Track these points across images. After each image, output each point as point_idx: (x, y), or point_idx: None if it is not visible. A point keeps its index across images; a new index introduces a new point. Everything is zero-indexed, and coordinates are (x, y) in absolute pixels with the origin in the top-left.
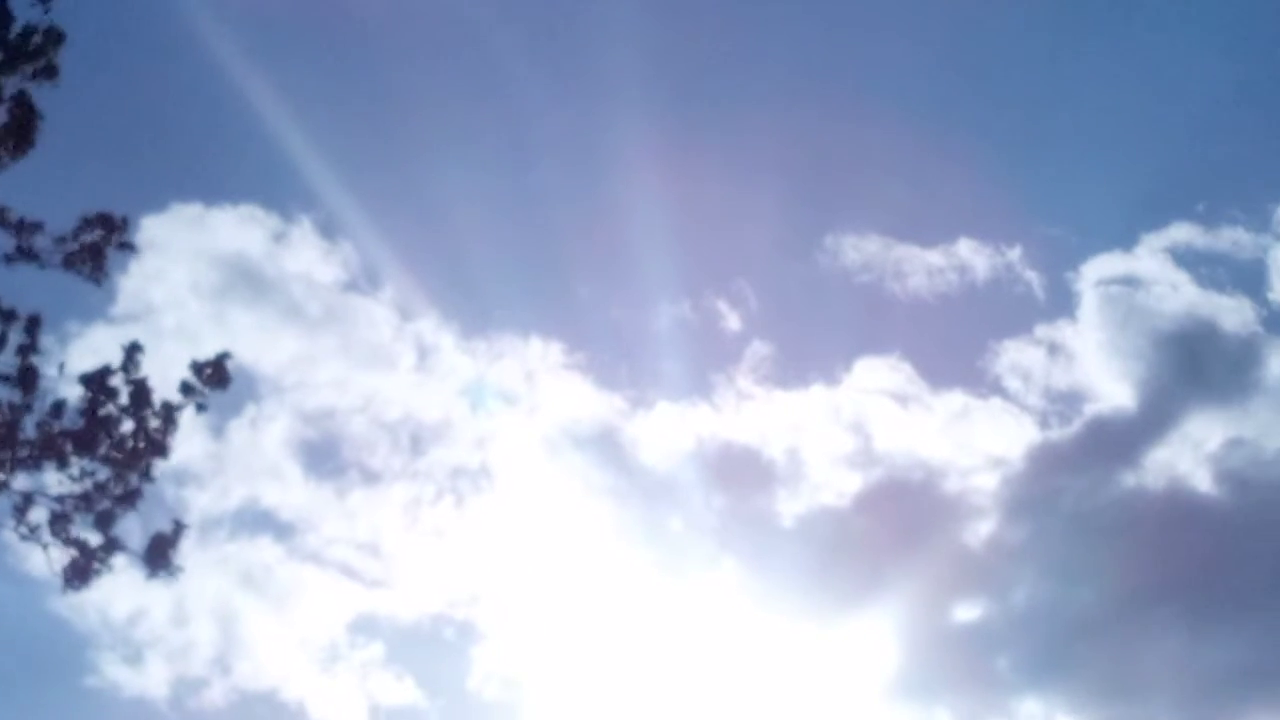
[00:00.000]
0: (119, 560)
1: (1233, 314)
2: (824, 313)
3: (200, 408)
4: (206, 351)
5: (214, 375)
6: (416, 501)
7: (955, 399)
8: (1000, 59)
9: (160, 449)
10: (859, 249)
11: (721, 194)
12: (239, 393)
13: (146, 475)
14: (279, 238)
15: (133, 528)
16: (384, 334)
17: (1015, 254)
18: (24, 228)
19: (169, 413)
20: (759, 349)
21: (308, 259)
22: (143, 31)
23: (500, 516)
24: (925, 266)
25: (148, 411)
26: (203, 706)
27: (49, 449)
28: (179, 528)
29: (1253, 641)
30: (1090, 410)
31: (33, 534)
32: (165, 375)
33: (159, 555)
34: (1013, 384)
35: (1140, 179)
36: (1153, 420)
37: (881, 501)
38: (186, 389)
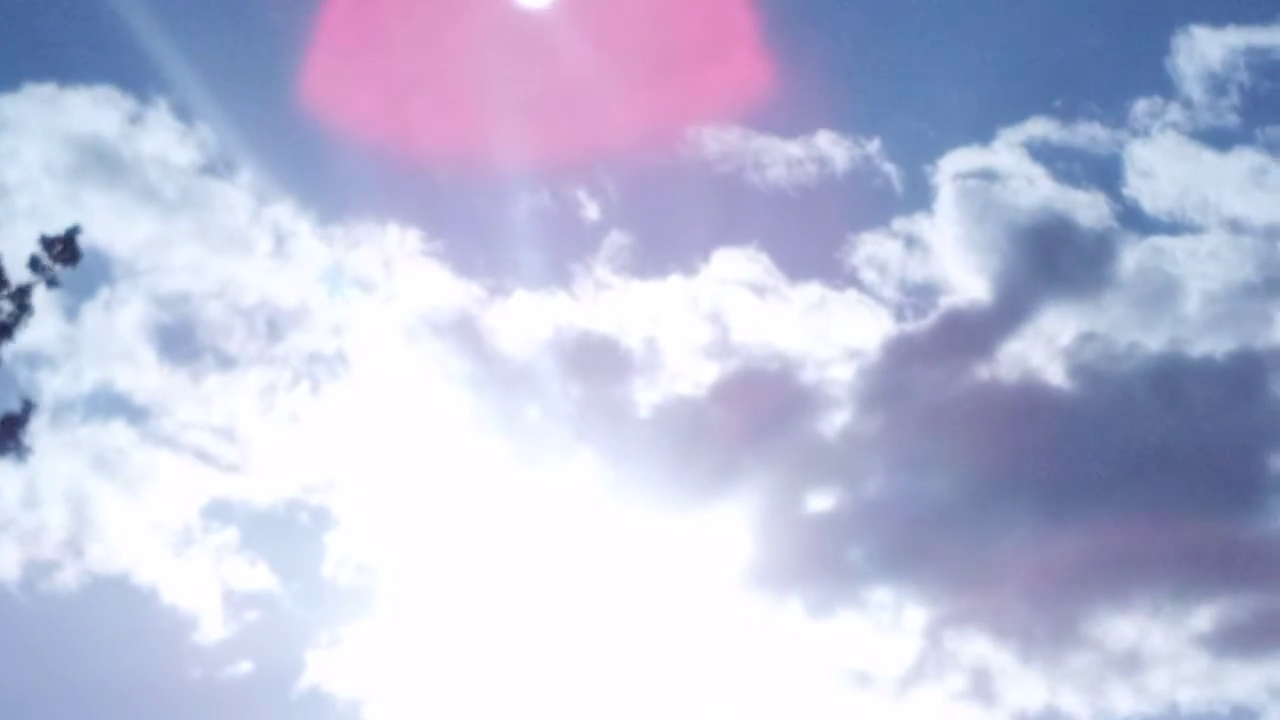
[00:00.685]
0: None
1: (1088, 209)
2: (682, 204)
3: (51, 283)
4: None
5: (64, 251)
6: (272, 387)
7: (812, 291)
8: None
9: (7, 331)
10: (718, 140)
11: (581, 84)
12: (93, 275)
13: None
14: (134, 119)
15: None
16: (240, 219)
17: (874, 147)
18: None
19: (22, 295)
20: (617, 239)
21: (163, 141)
22: None
23: (356, 403)
24: (784, 158)
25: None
26: (55, 589)
27: None
28: (28, 407)
29: (1101, 533)
30: (945, 303)
31: None
32: (18, 256)
33: (8, 435)
34: (869, 276)
35: (998, 74)
36: (1007, 314)
37: (737, 392)
38: (36, 264)
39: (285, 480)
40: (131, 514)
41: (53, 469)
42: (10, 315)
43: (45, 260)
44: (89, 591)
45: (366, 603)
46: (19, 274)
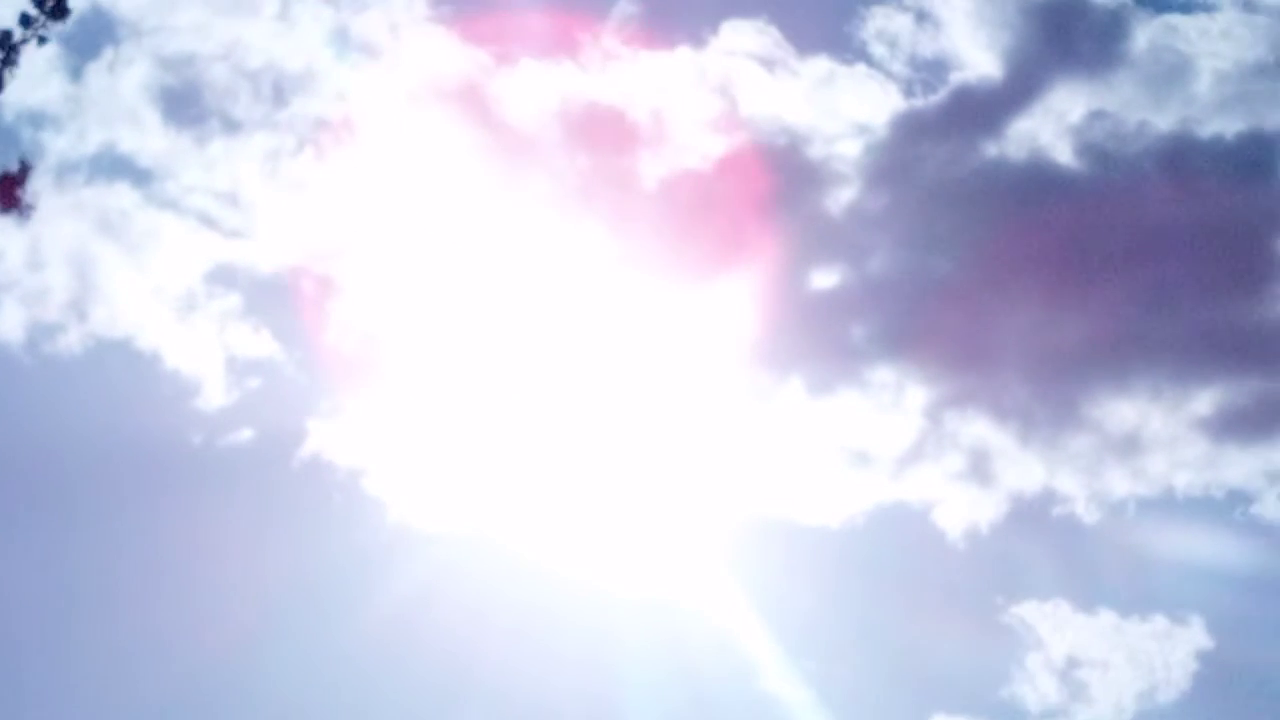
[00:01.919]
0: None
1: None
2: None
3: (41, 40)
4: None
5: (55, 7)
6: (277, 152)
7: (821, 64)
8: None
9: None
10: None
11: None
12: (96, 35)
13: None
14: None
15: None
16: None
17: None
18: None
19: (8, 46)
20: (625, 8)
21: None
22: None
23: (362, 171)
24: None
25: None
26: (58, 352)
27: None
28: (25, 166)
29: (1105, 315)
30: (955, 79)
31: None
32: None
33: (8, 193)
34: (879, 50)
35: None
36: (1017, 90)
37: (744, 166)
38: (25, 20)
39: (290, 247)
40: (135, 278)
41: (56, 230)
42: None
43: (35, 14)
44: (92, 354)
45: (370, 372)
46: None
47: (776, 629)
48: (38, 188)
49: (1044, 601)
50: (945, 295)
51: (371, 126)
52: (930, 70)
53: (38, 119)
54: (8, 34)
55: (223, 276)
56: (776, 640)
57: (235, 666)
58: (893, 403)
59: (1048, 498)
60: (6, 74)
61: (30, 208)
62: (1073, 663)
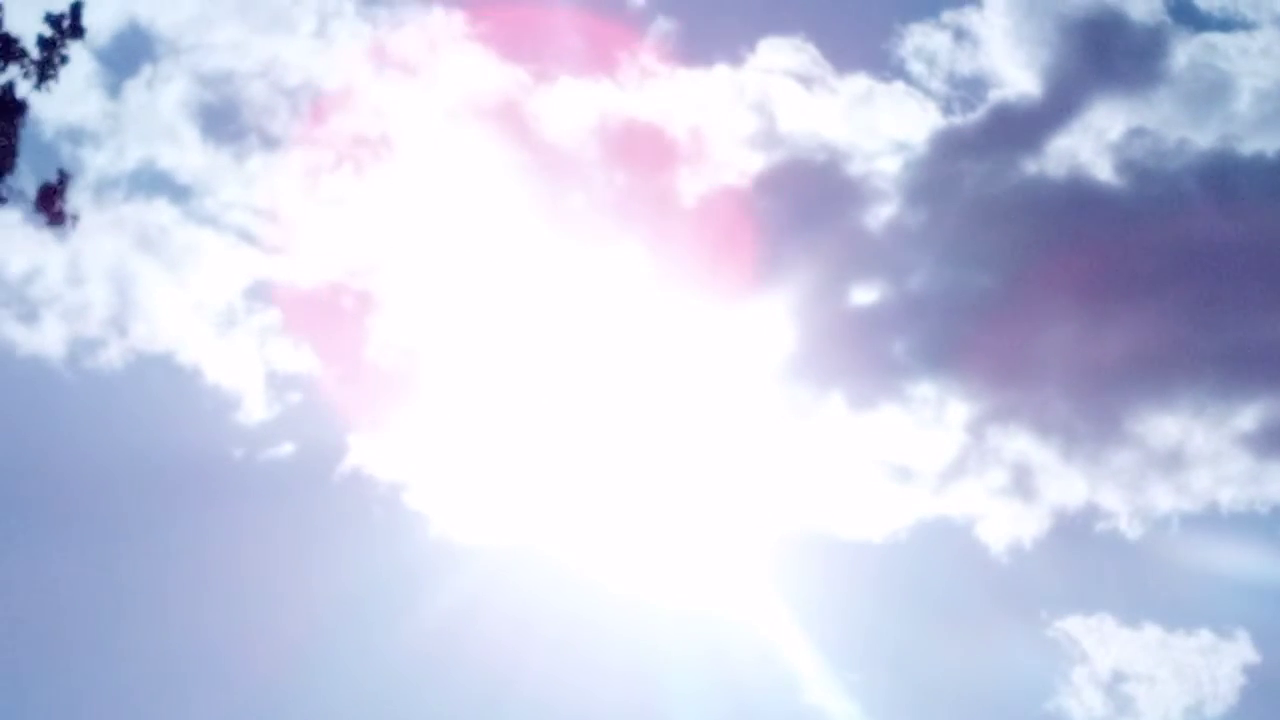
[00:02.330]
0: (12, 218)
1: (1141, 3)
2: None
3: (63, 59)
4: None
5: (70, 26)
6: (316, 169)
7: (859, 82)
8: None
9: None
10: None
11: None
12: (135, 52)
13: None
14: None
15: (27, 185)
16: None
17: None
18: None
19: (44, 65)
20: (663, 25)
21: None
22: None
23: (400, 188)
24: None
25: (20, 62)
26: (99, 367)
27: None
28: (64, 177)
29: (1147, 331)
30: (994, 96)
31: None
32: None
33: (48, 204)
34: (917, 68)
35: None
36: (1056, 108)
37: (783, 183)
38: (44, 43)
39: (328, 263)
40: (175, 293)
41: (96, 246)
42: (37, 76)
43: (53, 36)
44: (133, 369)
45: (409, 386)
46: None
47: (819, 642)
48: (78, 204)
49: (1089, 616)
50: (986, 311)
51: (409, 143)
52: (969, 88)
53: (77, 135)
54: (45, 59)
55: (262, 292)
56: (820, 653)
57: (278, 678)
58: (934, 418)
59: (1091, 513)
60: (47, 82)
61: (73, 219)
62: (1118, 677)
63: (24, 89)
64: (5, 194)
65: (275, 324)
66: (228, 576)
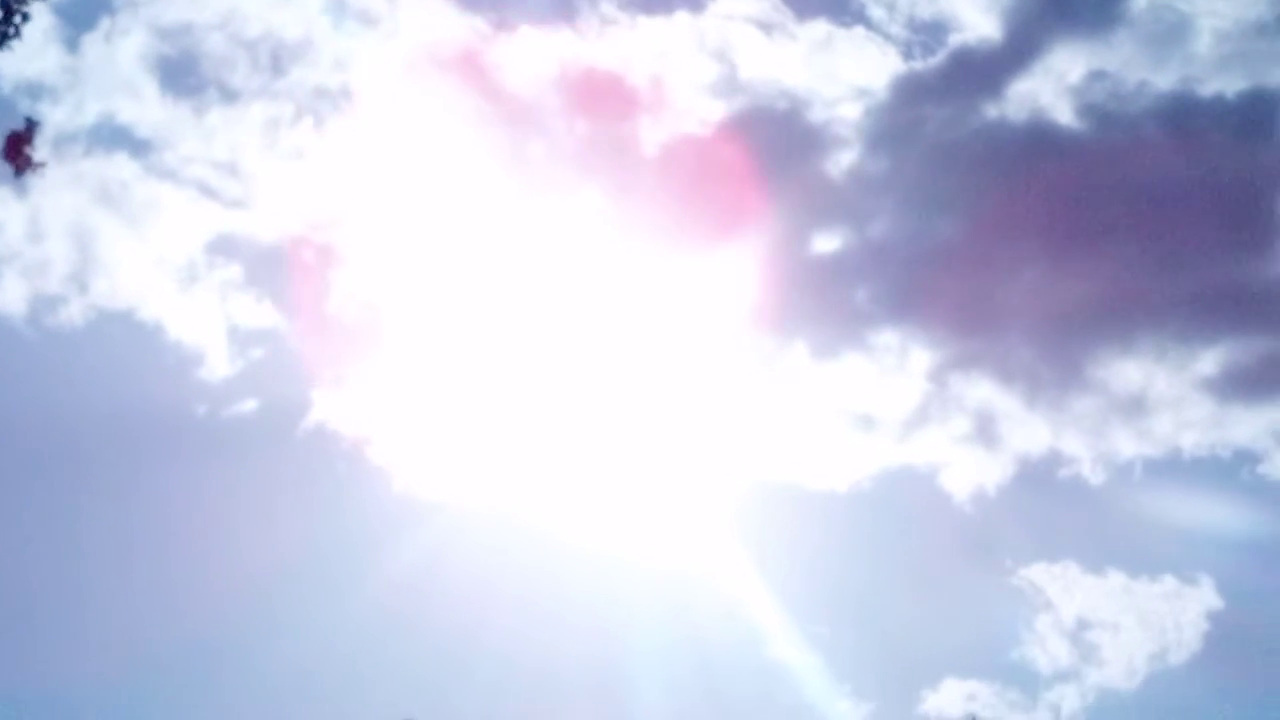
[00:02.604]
0: None
1: None
2: None
3: (24, 17)
4: None
5: None
6: (276, 122)
7: (819, 28)
8: None
9: None
10: None
11: None
12: (93, 6)
13: None
14: None
15: None
16: None
17: None
18: None
19: (5, 24)
20: None
21: None
22: None
23: (361, 139)
24: None
25: None
26: (60, 324)
27: None
28: (32, 124)
29: (1108, 276)
30: (955, 41)
31: None
32: None
33: (15, 152)
34: (877, 13)
35: None
36: (1017, 52)
37: (744, 131)
38: (5, 3)
39: (290, 217)
40: (136, 249)
41: (56, 202)
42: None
43: None
44: (94, 326)
45: (373, 341)
46: None
47: (784, 594)
48: (39, 143)
49: (1053, 563)
50: (948, 258)
51: (370, 95)
52: (929, 32)
53: (35, 90)
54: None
55: (223, 247)
56: (784, 606)
57: (242, 633)
58: (897, 366)
59: (1054, 459)
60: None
61: (41, 165)
62: (1083, 624)
63: None
64: None
65: (237, 279)
66: (191, 533)
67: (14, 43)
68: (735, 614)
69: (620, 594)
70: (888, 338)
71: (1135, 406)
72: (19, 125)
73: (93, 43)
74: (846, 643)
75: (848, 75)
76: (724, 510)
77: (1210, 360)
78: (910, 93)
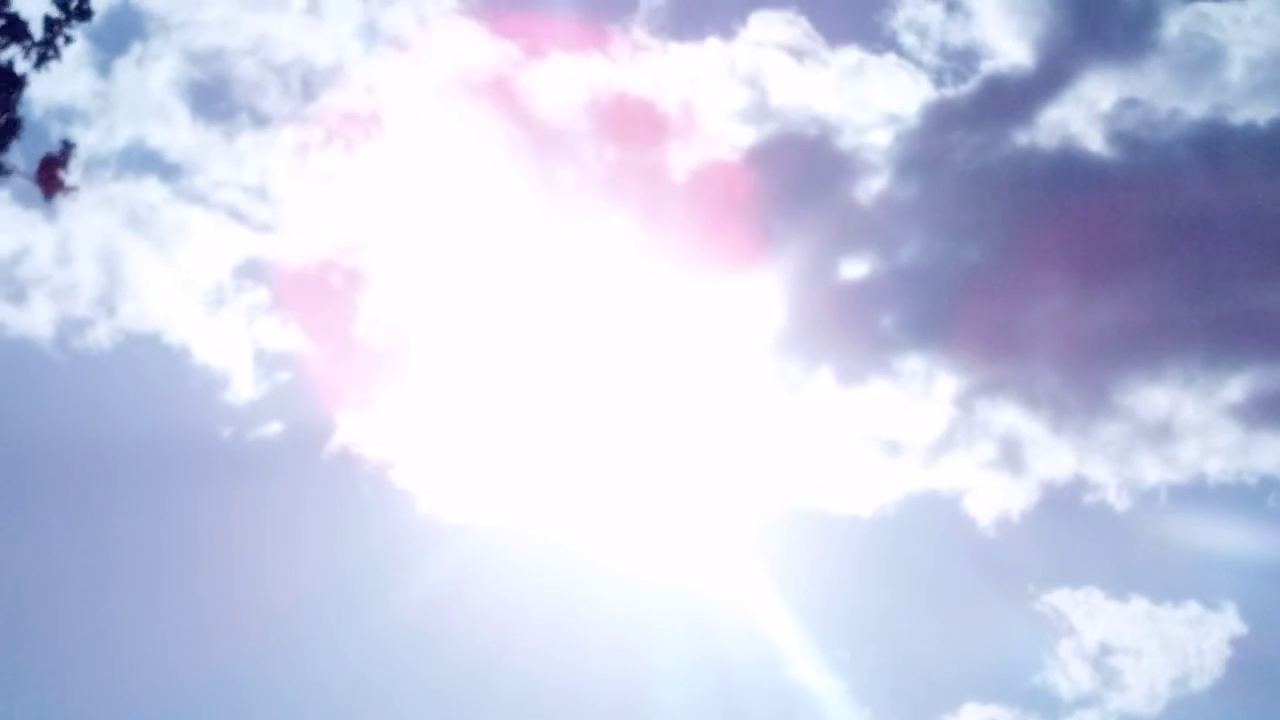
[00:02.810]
0: (1, 195)
1: None
2: None
3: (68, 40)
4: None
5: (77, 8)
6: (305, 146)
7: (851, 55)
8: None
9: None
10: None
11: None
12: (125, 31)
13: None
14: None
15: (19, 163)
16: None
17: None
18: None
19: (46, 46)
20: (654, 0)
21: None
22: None
23: (390, 164)
24: None
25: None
26: (87, 347)
27: None
28: (67, 147)
29: (1136, 303)
30: (986, 68)
31: None
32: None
33: (50, 176)
34: (909, 40)
35: None
36: (1048, 79)
37: (774, 157)
38: (50, 23)
39: (318, 241)
40: (164, 272)
41: (85, 225)
42: (38, 56)
43: (60, 16)
44: (121, 349)
45: (398, 364)
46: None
47: (806, 618)
48: (70, 181)
49: (1076, 589)
50: (976, 284)
51: (400, 120)
52: (960, 59)
53: (67, 114)
54: (47, 39)
55: (251, 270)
56: (806, 629)
57: (267, 654)
58: (923, 392)
59: (1079, 485)
60: (45, 64)
61: (73, 189)
62: (1105, 650)
63: (23, 67)
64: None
65: (264, 302)
66: (216, 555)
67: (52, 63)
68: (757, 636)
69: (643, 615)
70: (914, 363)
71: (1161, 433)
72: (53, 149)
73: (124, 67)
74: (868, 666)
75: (879, 102)
76: (748, 533)
77: (1237, 387)
78: (941, 119)
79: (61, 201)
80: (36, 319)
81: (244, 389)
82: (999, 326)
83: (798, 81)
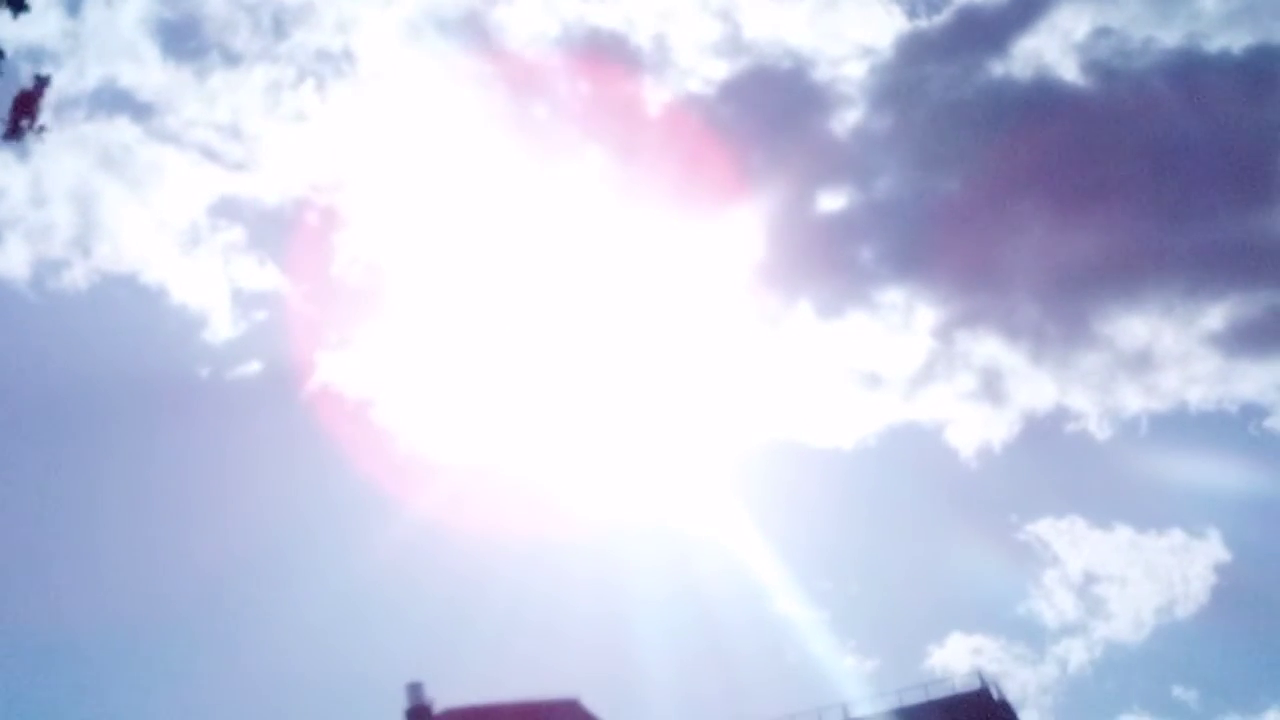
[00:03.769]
0: None
1: None
2: None
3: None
4: None
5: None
6: (278, 85)
7: None
8: None
9: None
10: None
11: None
12: None
13: None
14: None
15: None
16: None
17: None
18: None
19: None
20: None
21: None
22: None
23: (364, 102)
24: None
25: None
26: (64, 288)
27: None
28: (41, 81)
29: (1114, 232)
30: None
31: None
32: None
33: (24, 112)
34: None
35: None
36: (1022, 9)
37: (749, 90)
38: None
39: (293, 179)
40: (138, 212)
41: (58, 166)
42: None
43: None
44: (98, 290)
45: (376, 303)
46: None
47: (789, 551)
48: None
49: (1059, 518)
50: (953, 215)
51: (372, 58)
52: None
53: (36, 54)
54: None
55: (226, 210)
56: (788, 562)
57: (246, 590)
58: (903, 324)
59: (1060, 415)
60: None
61: (42, 128)
62: (1090, 578)
63: None
64: None
65: (240, 242)
66: (196, 494)
67: (25, 15)
68: (740, 570)
69: (625, 550)
70: (893, 295)
71: (1141, 362)
72: (34, 79)
73: (94, 7)
74: (851, 598)
75: (852, 34)
76: (729, 467)
77: (1217, 315)
78: (915, 51)
79: (32, 142)
80: (11, 260)
81: (222, 328)
82: (978, 258)
83: (771, 15)
